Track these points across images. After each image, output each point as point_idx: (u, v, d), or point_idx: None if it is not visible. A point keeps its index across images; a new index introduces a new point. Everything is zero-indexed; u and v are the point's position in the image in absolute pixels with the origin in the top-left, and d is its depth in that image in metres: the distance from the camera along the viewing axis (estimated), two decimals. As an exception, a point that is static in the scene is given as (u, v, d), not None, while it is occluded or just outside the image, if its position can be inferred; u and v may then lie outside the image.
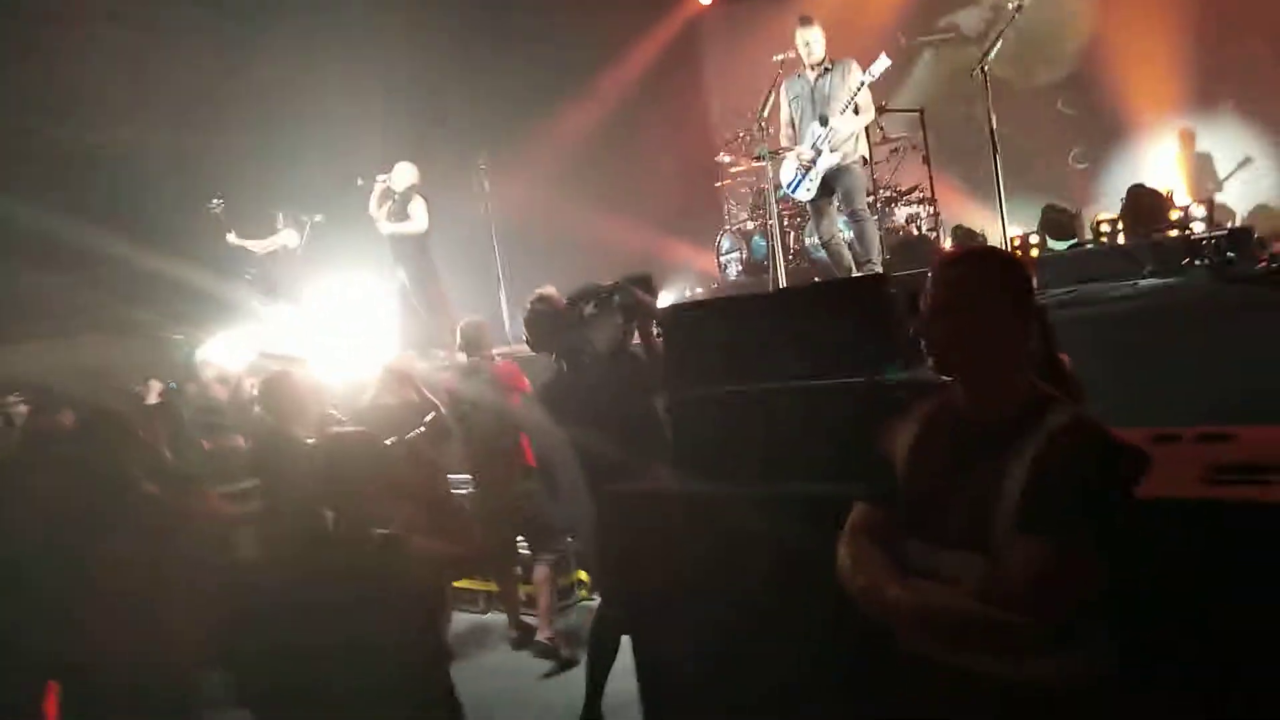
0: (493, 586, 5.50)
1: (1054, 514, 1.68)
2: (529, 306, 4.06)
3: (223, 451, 4.75)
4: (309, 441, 3.69)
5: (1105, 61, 8.73)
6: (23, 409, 4.45)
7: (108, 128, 8.24)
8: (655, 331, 3.85)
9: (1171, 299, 3.99)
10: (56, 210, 7.75)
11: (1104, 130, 8.78)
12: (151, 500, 3.14)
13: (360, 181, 7.79)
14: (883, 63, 5.71)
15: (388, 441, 2.77)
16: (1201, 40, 8.21)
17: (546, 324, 3.97)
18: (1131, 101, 8.59)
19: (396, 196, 7.62)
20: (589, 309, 3.82)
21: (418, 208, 7.57)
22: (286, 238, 8.41)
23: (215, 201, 8.19)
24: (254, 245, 8.38)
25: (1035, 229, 7.11)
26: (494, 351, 5.44)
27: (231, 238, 8.32)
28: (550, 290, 4.09)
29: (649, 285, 3.90)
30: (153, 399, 5.32)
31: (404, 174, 7.60)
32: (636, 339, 3.89)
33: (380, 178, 7.64)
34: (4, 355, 7.58)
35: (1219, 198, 8.07)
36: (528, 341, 4.13)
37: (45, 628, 3.01)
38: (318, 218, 8.38)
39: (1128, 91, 8.58)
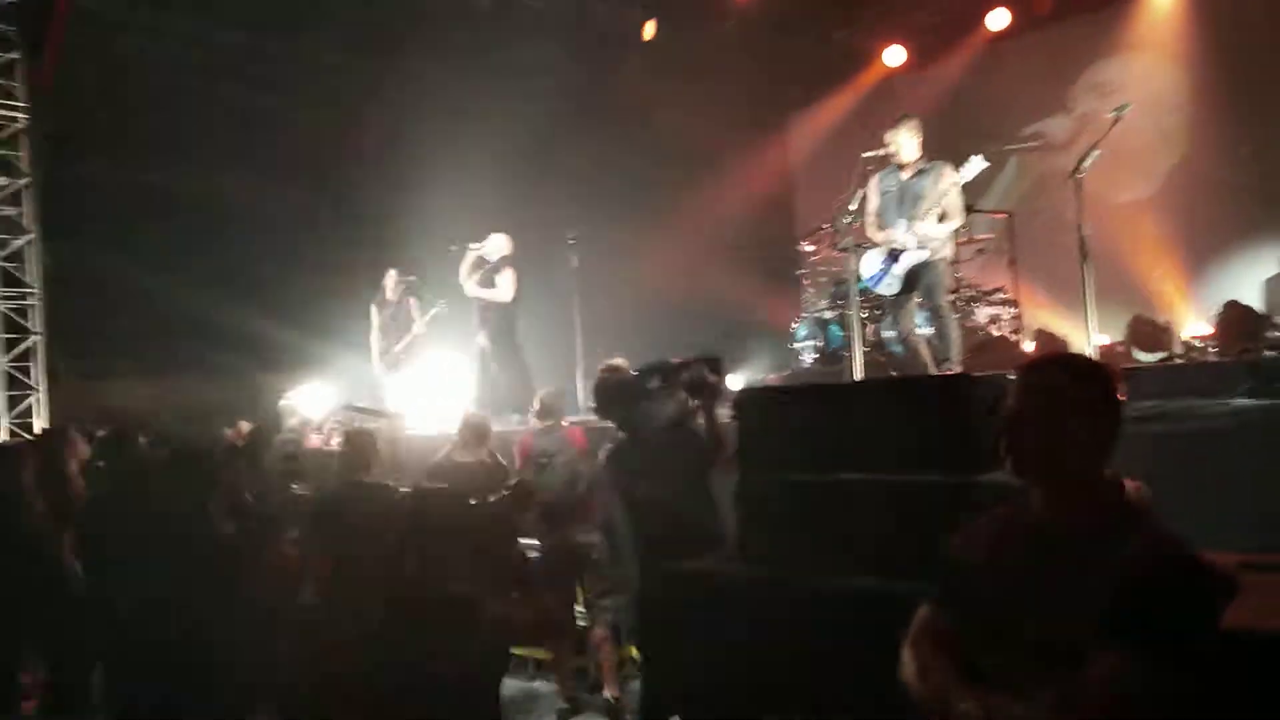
0: (543, 654, 5.47)
1: (1138, 631, 1.63)
2: (599, 374, 4.18)
3: (300, 497, 4.89)
4: (400, 492, 3.78)
5: (1196, 180, 8.63)
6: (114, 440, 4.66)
7: (217, 178, 8.70)
8: (721, 413, 3.92)
9: (1266, 420, 3.85)
10: (160, 255, 8.21)
11: (1197, 247, 8.61)
12: (227, 539, 3.24)
13: (454, 247, 8.02)
14: (976, 165, 5.73)
15: (471, 502, 2.83)
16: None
17: (612, 392, 4.09)
18: (1225, 219, 8.43)
19: (488, 265, 7.85)
20: (655, 383, 3.92)
21: (506, 278, 7.78)
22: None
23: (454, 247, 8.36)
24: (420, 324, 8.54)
25: (1122, 339, 6.97)
26: (566, 419, 5.55)
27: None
28: (620, 361, 4.23)
29: (717, 366, 3.98)
30: (233, 440, 5.53)
31: (497, 244, 7.84)
32: (702, 419, 3.97)
33: (473, 245, 7.89)
34: (103, 389, 7.98)
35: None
36: (594, 408, 4.24)
37: (114, 656, 3.10)
38: (412, 277, 8.62)
39: (1220, 209, 8.44)
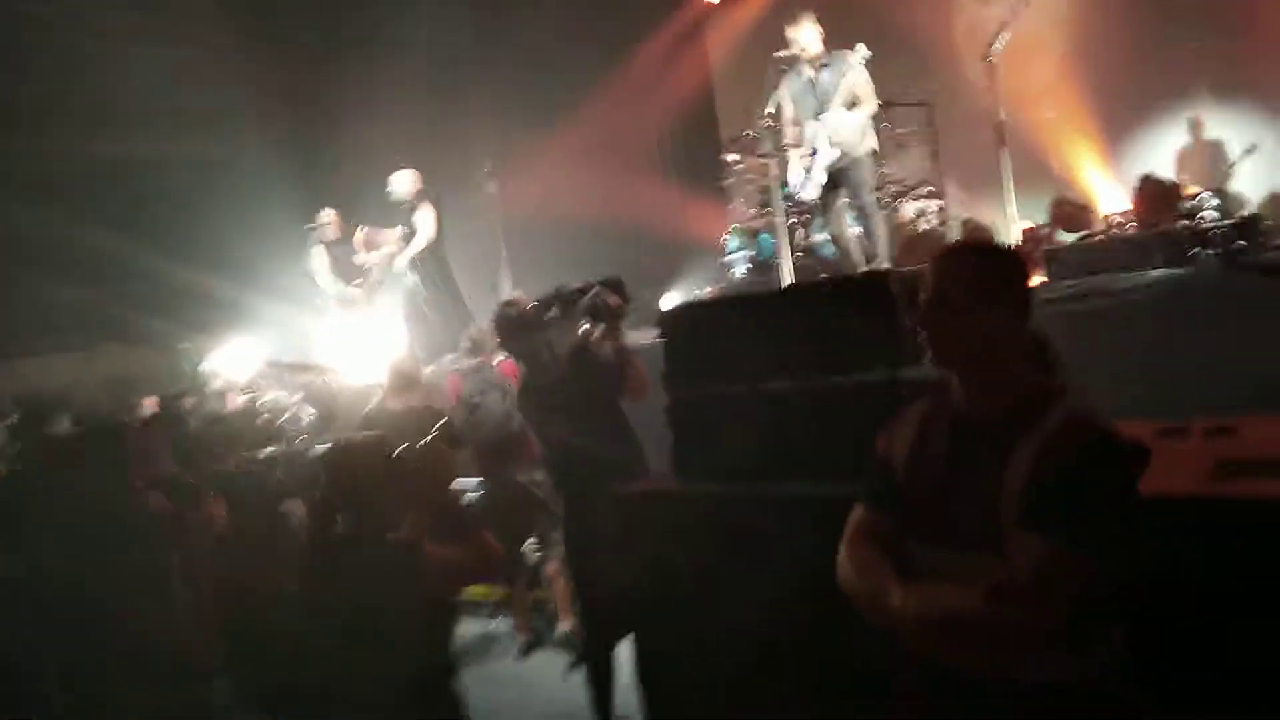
0: (500, 593, 5.50)
1: (1057, 511, 1.66)
2: (496, 310, 4.12)
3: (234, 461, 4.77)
4: (319, 448, 3.71)
5: (1111, 51, 8.65)
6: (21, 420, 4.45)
7: (129, 140, 8.29)
8: (625, 334, 3.92)
9: (1180, 290, 3.94)
10: (75, 220, 7.84)
11: (1117, 120, 8.69)
12: (153, 510, 3.14)
13: (309, 227, 7.75)
14: (861, 52, 5.67)
15: (400, 448, 2.77)
16: (1216, 28, 8.13)
17: (511, 326, 4.06)
18: (1142, 90, 8.50)
19: (401, 207, 7.60)
20: (553, 313, 3.86)
21: (424, 217, 7.54)
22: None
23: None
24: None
25: (1046, 221, 7.06)
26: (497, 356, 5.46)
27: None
28: (518, 294, 4.17)
29: (619, 288, 3.93)
30: (150, 410, 5.35)
31: (403, 181, 7.58)
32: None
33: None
34: (21, 368, 7.66)
35: (1231, 186, 7.98)
36: (497, 344, 4.19)
37: (51, 637, 3.02)
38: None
39: (1138, 80, 8.49)
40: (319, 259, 8.31)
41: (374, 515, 2.65)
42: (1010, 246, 5.00)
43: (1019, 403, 1.79)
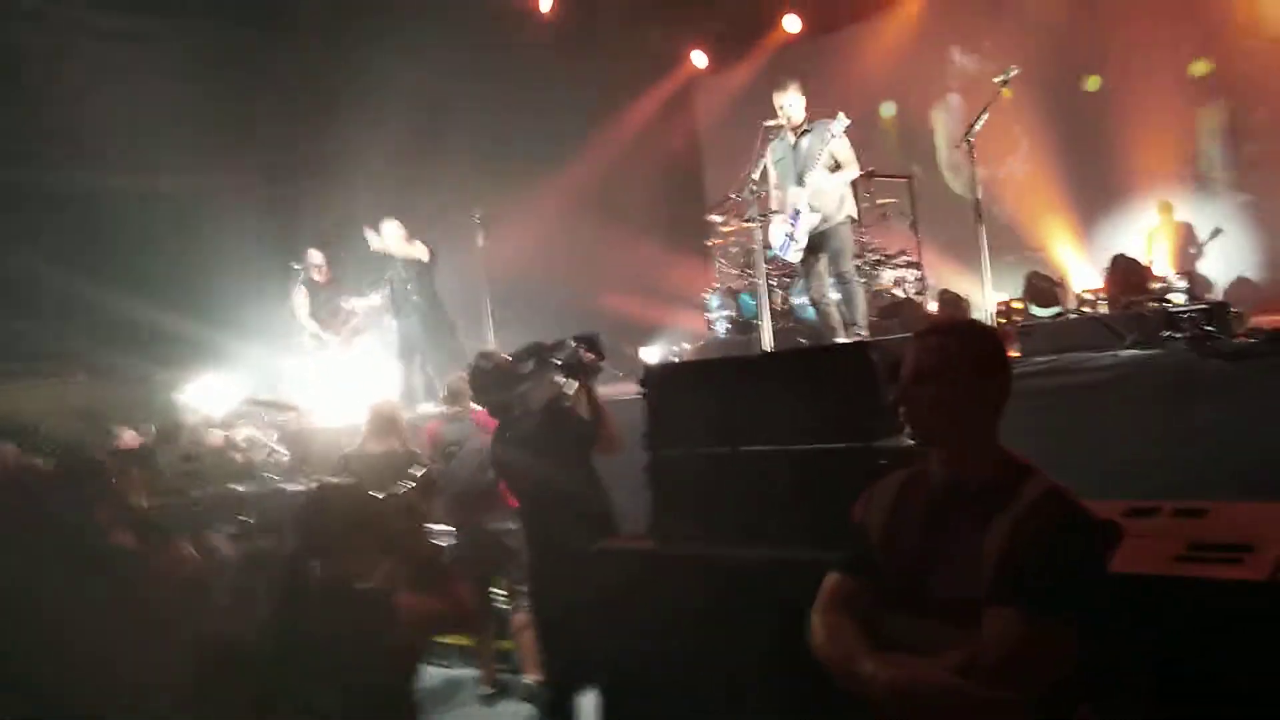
0: (466, 640, 5.42)
1: (1028, 586, 1.68)
2: (472, 362, 4.16)
3: (205, 497, 4.72)
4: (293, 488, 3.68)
5: (1091, 134, 8.95)
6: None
7: (95, 172, 8.26)
8: (598, 391, 3.96)
9: (1150, 371, 4.03)
10: (44, 254, 7.79)
11: (1089, 200, 8.95)
12: (121, 550, 3.09)
13: (296, 265, 7.93)
14: (841, 121, 5.83)
15: (379, 495, 2.75)
16: (1180, 112, 8.47)
17: (486, 380, 4.07)
18: (1118, 172, 8.79)
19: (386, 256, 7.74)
20: (528, 366, 3.90)
21: (419, 247, 7.72)
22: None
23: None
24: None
25: (1019, 295, 7.21)
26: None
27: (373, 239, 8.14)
28: (493, 348, 4.21)
29: (594, 344, 3.98)
30: (125, 445, 5.28)
31: (392, 233, 7.71)
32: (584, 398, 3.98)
33: (369, 235, 7.73)
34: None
35: (1200, 268, 8.22)
36: (472, 396, 4.23)
37: (9, 676, 2.94)
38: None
39: (1113, 163, 8.79)
40: (299, 298, 8.32)
41: (347, 563, 2.62)
42: (990, 325, 5.12)
43: (995, 477, 1.84)
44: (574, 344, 3.93)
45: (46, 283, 7.71)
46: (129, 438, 5.33)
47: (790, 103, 5.99)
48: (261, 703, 2.58)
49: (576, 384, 3.91)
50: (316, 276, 8.35)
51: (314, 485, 2.94)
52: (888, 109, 10.46)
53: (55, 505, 3.16)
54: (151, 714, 3.08)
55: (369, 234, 7.69)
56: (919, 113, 10.21)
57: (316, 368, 8.16)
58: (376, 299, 8.11)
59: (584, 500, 3.76)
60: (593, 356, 3.94)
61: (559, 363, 3.90)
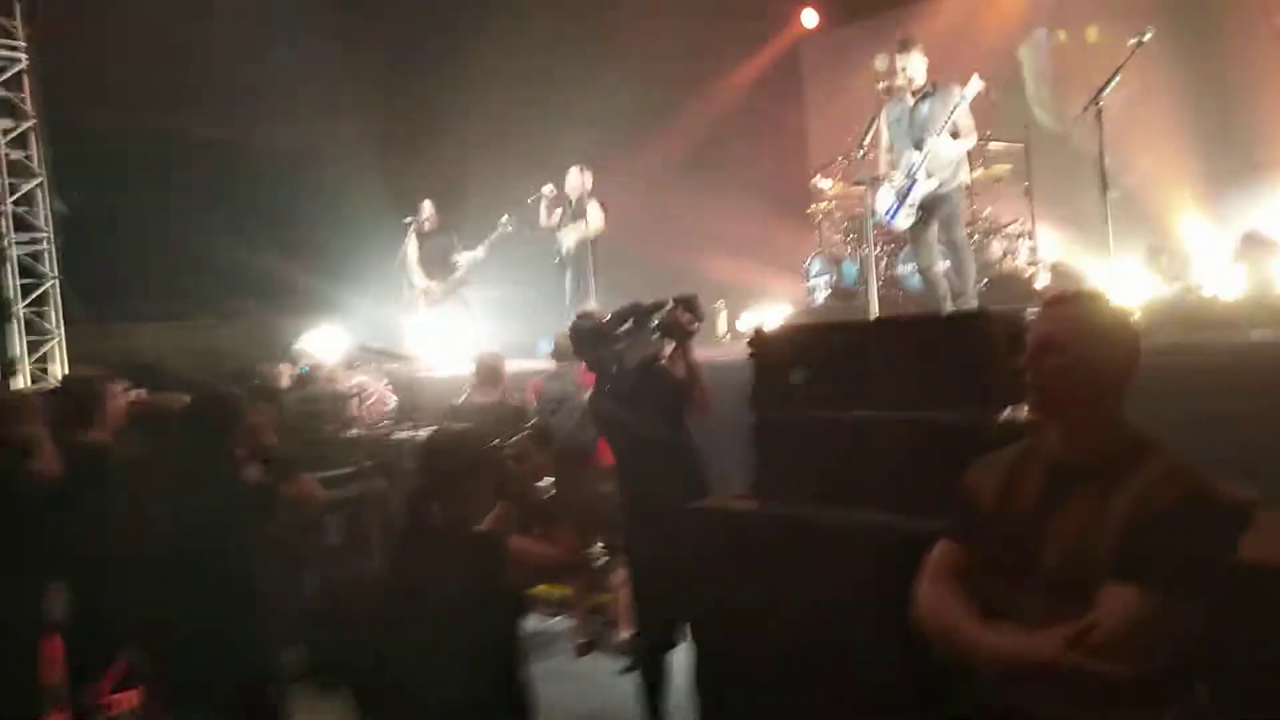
0: (563, 591, 5.58)
1: (1153, 563, 1.66)
2: (572, 321, 4.23)
3: (322, 438, 4.96)
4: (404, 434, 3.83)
5: (1227, 100, 8.41)
6: (136, 391, 4.68)
7: (228, 122, 8.65)
8: (696, 352, 4.01)
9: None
10: (173, 200, 8.23)
11: (1224, 172, 8.43)
12: (253, 483, 3.27)
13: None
14: (975, 84, 5.63)
15: (494, 441, 2.87)
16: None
17: (585, 337, 4.16)
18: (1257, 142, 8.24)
19: (571, 203, 7.88)
20: (627, 326, 3.96)
21: (595, 211, 7.84)
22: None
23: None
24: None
25: (1142, 270, 6.90)
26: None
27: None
28: (593, 307, 4.27)
29: (693, 305, 4.01)
30: (285, 382, 5.56)
31: (575, 180, 7.85)
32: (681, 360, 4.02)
33: (546, 188, 7.92)
34: (122, 333, 8.04)
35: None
36: (573, 352, 4.33)
37: (138, 599, 3.15)
38: (506, 219, 8.56)
39: (1252, 133, 8.25)
40: (410, 247, 8.56)
41: (464, 505, 2.74)
42: (1120, 299, 4.92)
43: (1118, 452, 1.81)
44: (672, 305, 3.99)
45: (179, 230, 8.13)
46: (284, 375, 5.59)
47: (913, 64, 5.82)
48: (377, 637, 2.72)
49: (673, 344, 3.97)
50: (427, 227, 8.56)
51: (432, 430, 3.07)
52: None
53: (188, 441, 3.34)
54: (265, 637, 3.29)
55: (572, 173, 7.85)
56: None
57: (424, 319, 8.41)
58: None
59: (677, 458, 3.83)
60: (689, 317, 3.98)
61: (657, 323, 3.96)
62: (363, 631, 2.88)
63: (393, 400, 6.04)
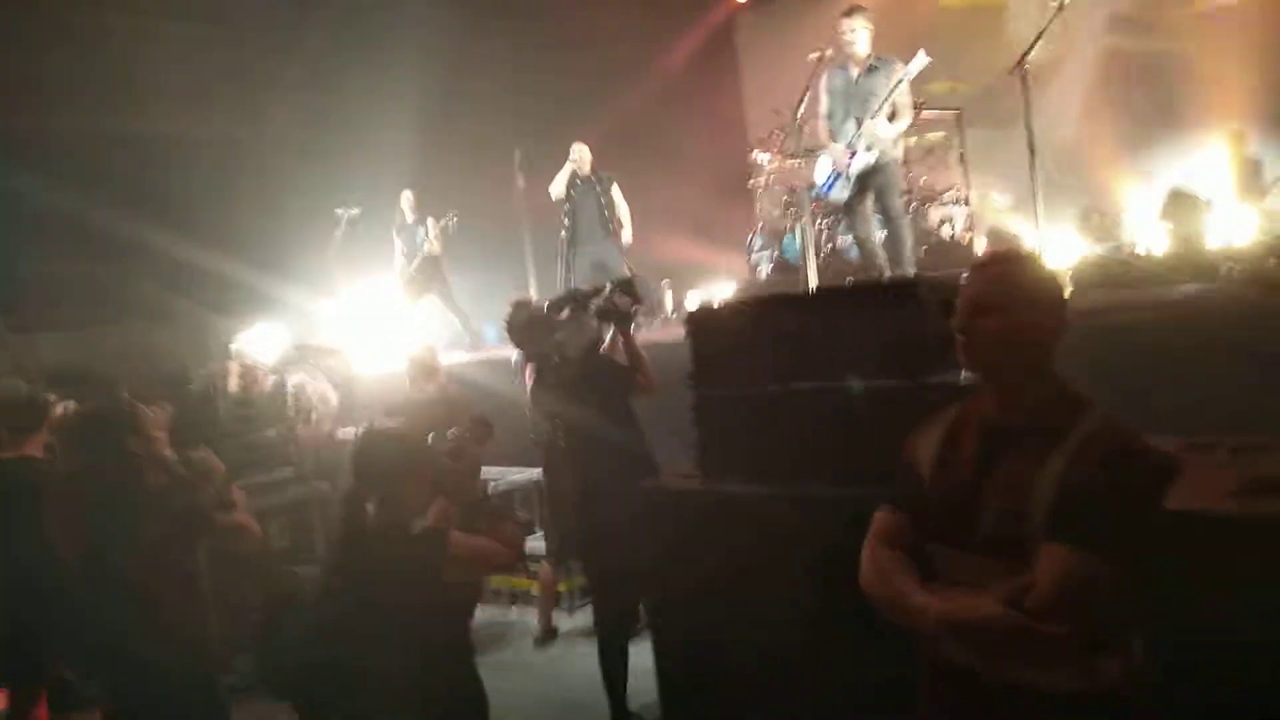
0: (524, 583, 5.55)
1: (1086, 521, 1.67)
2: (508, 311, 4.18)
3: (261, 441, 4.85)
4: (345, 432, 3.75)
5: (1132, 64, 8.58)
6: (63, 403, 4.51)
7: (155, 118, 8.36)
8: (635, 333, 4.00)
9: (1209, 306, 3.92)
10: (98, 198, 7.92)
11: (1149, 131, 8.60)
12: (156, 491, 3.15)
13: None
14: (921, 60, 5.63)
15: (430, 436, 2.81)
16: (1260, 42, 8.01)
17: (521, 328, 4.13)
18: (1179, 102, 8.42)
19: (591, 176, 7.72)
20: (565, 313, 3.92)
21: (618, 195, 7.77)
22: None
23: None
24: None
25: (1074, 231, 7.03)
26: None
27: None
28: (528, 295, 4.24)
29: (631, 289, 3.99)
30: (234, 383, 5.41)
31: (584, 155, 7.72)
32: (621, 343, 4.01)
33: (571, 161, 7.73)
34: (50, 343, 7.75)
35: (1265, 204, 7.89)
36: (509, 343, 4.28)
37: (68, 613, 3.04)
38: (355, 211, 8.47)
39: (1175, 93, 8.42)
40: (396, 245, 8.54)
41: (401, 503, 2.69)
42: (1050, 260, 4.99)
43: (1050, 411, 1.82)
44: (609, 289, 3.95)
45: (94, 227, 7.83)
46: (232, 374, 5.44)
47: (857, 29, 5.77)
48: (320, 642, 2.66)
49: (613, 329, 3.94)
50: (410, 219, 8.51)
51: (364, 429, 3.00)
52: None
53: (82, 452, 3.20)
54: (207, 647, 3.19)
55: (577, 148, 7.70)
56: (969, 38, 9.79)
57: (409, 311, 8.28)
58: (437, 248, 8.21)
59: (625, 443, 3.81)
60: (628, 300, 3.96)
61: (596, 309, 3.93)
62: (308, 636, 2.80)
63: (334, 398, 5.92)
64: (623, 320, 3.97)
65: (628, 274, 4.32)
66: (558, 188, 7.64)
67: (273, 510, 4.43)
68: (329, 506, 4.47)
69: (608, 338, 4.06)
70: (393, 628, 2.51)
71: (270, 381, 5.74)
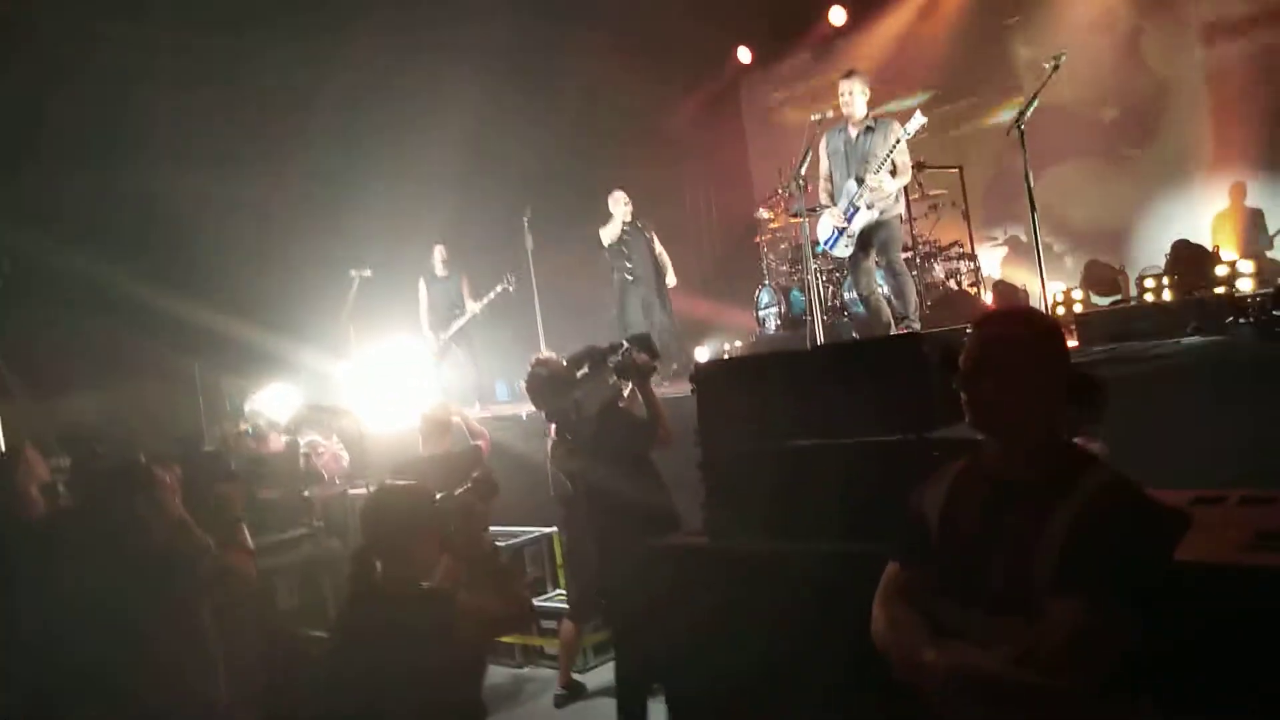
0: (537, 640, 5.50)
1: (1093, 575, 1.67)
2: (529, 370, 4.22)
3: (271, 500, 4.87)
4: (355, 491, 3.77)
5: (1152, 114, 8.70)
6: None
7: (164, 176, 8.49)
8: (654, 388, 4.02)
9: (1215, 358, 3.93)
10: (112, 259, 8.02)
11: (1152, 184, 8.69)
12: (160, 550, 3.17)
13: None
14: (918, 120, 5.77)
15: (438, 495, 2.82)
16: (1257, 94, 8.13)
17: (543, 386, 4.15)
18: (1182, 155, 8.51)
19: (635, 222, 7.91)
20: (583, 370, 3.96)
21: (657, 245, 7.96)
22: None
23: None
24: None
25: (1078, 284, 7.07)
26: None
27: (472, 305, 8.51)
28: (549, 354, 4.29)
29: (648, 345, 4.04)
30: (248, 442, 5.42)
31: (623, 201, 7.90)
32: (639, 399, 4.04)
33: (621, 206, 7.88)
34: (61, 403, 7.81)
35: (1269, 254, 7.93)
36: (531, 402, 4.31)
37: (79, 678, 3.04)
38: (367, 272, 8.58)
39: (1177, 145, 8.52)
40: (422, 295, 8.66)
41: (409, 561, 2.69)
42: (1049, 313, 5.03)
43: (1056, 466, 1.82)
44: (627, 346, 4.00)
45: (102, 288, 7.92)
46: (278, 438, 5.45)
47: (854, 91, 5.92)
48: (329, 701, 2.65)
49: (631, 385, 3.98)
50: (442, 271, 8.61)
51: (374, 487, 3.02)
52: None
53: (109, 511, 3.23)
54: (215, 707, 3.17)
55: (615, 203, 7.85)
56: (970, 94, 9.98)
57: (367, 371, 8.33)
58: (478, 308, 8.34)
59: (645, 498, 3.82)
60: (646, 357, 4.00)
61: (613, 365, 3.97)
62: (316, 694, 2.79)
63: (346, 458, 5.95)
64: (641, 376, 4.01)
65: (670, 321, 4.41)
66: (612, 232, 7.84)
67: (284, 569, 4.43)
68: (340, 565, 4.46)
69: (626, 392, 4.10)
70: (401, 688, 2.50)
71: (283, 441, 5.79)
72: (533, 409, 4.62)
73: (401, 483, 2.96)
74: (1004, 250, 8.89)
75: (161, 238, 8.48)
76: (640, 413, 4.04)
